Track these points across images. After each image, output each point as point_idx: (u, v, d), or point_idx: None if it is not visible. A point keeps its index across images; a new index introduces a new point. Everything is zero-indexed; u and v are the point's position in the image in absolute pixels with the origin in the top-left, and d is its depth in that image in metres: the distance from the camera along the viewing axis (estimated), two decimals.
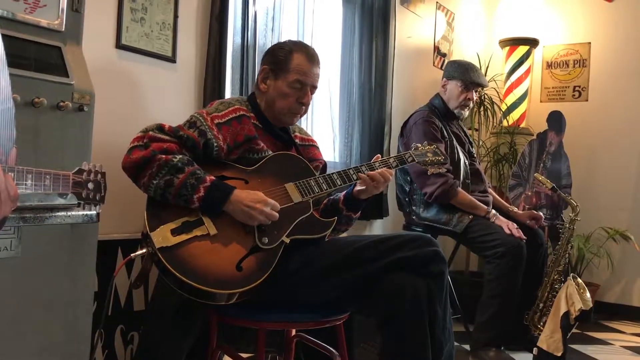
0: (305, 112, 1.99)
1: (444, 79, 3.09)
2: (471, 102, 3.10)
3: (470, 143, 3.19)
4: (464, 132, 3.20)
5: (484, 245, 2.78)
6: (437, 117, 2.99)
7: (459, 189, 2.86)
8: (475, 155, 3.17)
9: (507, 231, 2.73)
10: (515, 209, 3.12)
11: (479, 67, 4.02)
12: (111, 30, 2.10)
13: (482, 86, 3.17)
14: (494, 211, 2.87)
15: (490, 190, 3.22)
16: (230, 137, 1.80)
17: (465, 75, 3.01)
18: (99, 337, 1.79)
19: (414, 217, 3.04)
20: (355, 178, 1.89)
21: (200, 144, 1.74)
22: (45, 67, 1.49)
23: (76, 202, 1.29)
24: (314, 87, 1.94)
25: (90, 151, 1.58)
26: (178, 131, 1.73)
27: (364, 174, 1.87)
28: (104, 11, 2.07)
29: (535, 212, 3.06)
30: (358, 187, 1.92)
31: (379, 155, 2.00)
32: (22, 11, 1.48)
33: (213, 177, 1.68)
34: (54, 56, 1.53)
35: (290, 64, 1.89)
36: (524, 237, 2.75)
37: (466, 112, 3.15)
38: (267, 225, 1.71)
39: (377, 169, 1.90)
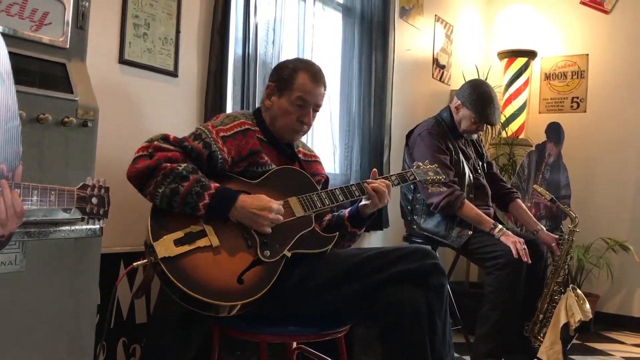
0: (307, 130, 2.00)
1: (459, 101, 2.98)
2: (480, 132, 3.12)
3: (481, 156, 3.16)
4: (474, 142, 3.18)
5: (484, 256, 2.78)
6: (443, 130, 2.99)
7: (465, 201, 2.85)
8: (480, 170, 3.15)
9: (515, 253, 2.64)
10: (543, 228, 3.03)
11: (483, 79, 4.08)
12: (114, 45, 2.12)
13: (494, 125, 3.13)
14: (500, 226, 2.80)
15: (521, 204, 3.14)
16: (234, 150, 1.82)
17: (482, 113, 2.93)
18: (101, 350, 1.79)
19: (414, 227, 3.04)
20: (357, 194, 1.91)
21: (205, 155, 1.76)
22: (50, 83, 1.51)
23: (80, 217, 1.31)
24: (317, 106, 1.95)
25: (93, 166, 1.60)
26: (183, 142, 1.74)
27: (367, 187, 1.89)
28: (107, 27, 2.09)
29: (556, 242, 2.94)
30: (363, 202, 1.94)
31: (375, 170, 2.01)
32: (27, 29, 1.51)
33: (217, 184, 1.70)
34: (59, 72, 1.56)
35: (294, 82, 1.91)
36: (529, 260, 2.66)
37: (475, 137, 3.15)
38: (269, 239, 1.73)
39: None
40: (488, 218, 2.84)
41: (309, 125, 1.96)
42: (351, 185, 1.91)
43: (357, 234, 2.02)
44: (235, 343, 2.18)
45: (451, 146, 2.94)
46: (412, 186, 3.00)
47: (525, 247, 2.69)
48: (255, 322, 1.74)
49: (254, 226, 1.70)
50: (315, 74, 1.94)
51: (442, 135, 2.94)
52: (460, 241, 2.82)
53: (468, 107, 2.94)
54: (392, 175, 2.01)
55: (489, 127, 4.10)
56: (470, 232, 2.81)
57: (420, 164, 2.12)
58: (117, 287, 1.84)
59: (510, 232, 2.76)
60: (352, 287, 1.74)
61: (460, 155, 2.97)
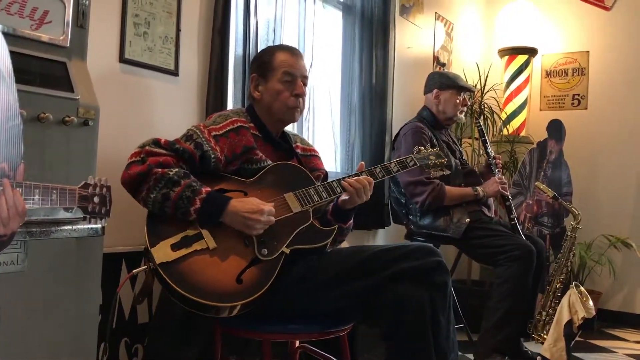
0: (304, 105, 1.97)
1: (435, 90, 3.09)
2: (464, 110, 3.20)
3: (460, 151, 3.22)
4: (453, 139, 3.23)
5: (496, 250, 2.78)
6: (426, 127, 3.03)
7: (446, 187, 2.90)
8: (466, 161, 3.21)
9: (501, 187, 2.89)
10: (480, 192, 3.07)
11: (479, 77, 4.08)
12: (114, 44, 2.11)
13: (472, 91, 3.31)
14: (478, 188, 2.94)
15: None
16: (228, 149, 1.81)
17: (459, 84, 3.09)
18: (104, 350, 1.79)
19: (412, 227, 3.06)
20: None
21: (197, 156, 1.75)
22: (50, 82, 1.51)
23: (82, 216, 1.30)
24: (304, 77, 1.95)
25: (95, 165, 1.59)
26: (174, 144, 1.74)
27: (344, 183, 1.85)
28: (107, 25, 2.08)
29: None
30: (343, 197, 1.89)
31: (362, 163, 1.95)
32: (28, 27, 1.50)
33: (209, 189, 1.69)
34: (59, 71, 1.55)
35: (274, 62, 1.92)
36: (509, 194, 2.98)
37: (463, 117, 3.20)
38: (267, 237, 1.72)
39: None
40: (467, 189, 2.95)
41: (304, 97, 1.94)
42: (348, 176, 1.87)
43: (344, 228, 1.97)
44: (237, 342, 2.17)
45: (435, 141, 2.98)
46: (402, 190, 3.01)
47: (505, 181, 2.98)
48: (258, 320, 1.74)
49: (246, 230, 1.69)
50: (291, 49, 1.98)
51: (426, 131, 2.99)
52: (459, 230, 2.84)
53: (446, 87, 3.08)
54: (391, 163, 1.98)
55: (489, 124, 4.11)
56: (467, 220, 2.85)
57: (422, 148, 2.10)
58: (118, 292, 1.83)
59: (485, 184, 2.99)
60: (355, 285, 1.73)
61: (445, 149, 3.00)
